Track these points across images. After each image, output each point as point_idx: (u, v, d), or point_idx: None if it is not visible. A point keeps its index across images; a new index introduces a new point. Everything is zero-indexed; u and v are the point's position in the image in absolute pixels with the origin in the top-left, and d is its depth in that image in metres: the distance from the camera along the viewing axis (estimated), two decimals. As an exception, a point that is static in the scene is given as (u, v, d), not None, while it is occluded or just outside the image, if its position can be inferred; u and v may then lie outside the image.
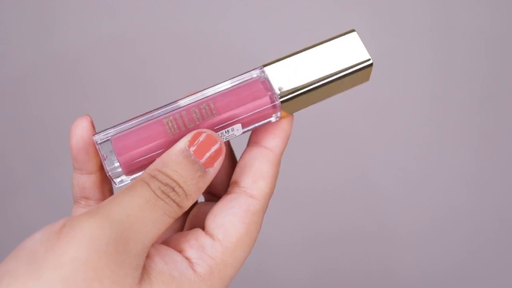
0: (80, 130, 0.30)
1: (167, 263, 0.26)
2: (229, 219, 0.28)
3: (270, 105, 0.29)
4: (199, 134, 0.27)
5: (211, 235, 0.28)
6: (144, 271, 0.25)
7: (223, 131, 0.29)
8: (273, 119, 0.30)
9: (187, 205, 0.27)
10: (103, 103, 0.74)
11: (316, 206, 0.73)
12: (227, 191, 0.30)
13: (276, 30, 0.72)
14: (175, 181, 0.26)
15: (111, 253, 0.24)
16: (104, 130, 0.29)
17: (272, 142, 0.30)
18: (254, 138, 0.30)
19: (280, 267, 0.74)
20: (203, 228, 0.29)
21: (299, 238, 0.74)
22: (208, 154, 0.27)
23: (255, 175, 0.29)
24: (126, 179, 0.29)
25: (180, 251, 0.28)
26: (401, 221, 0.73)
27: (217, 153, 0.27)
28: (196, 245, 0.28)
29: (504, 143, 0.72)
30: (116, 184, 0.29)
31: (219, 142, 0.27)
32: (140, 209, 0.25)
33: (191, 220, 0.33)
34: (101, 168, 0.31)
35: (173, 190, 0.26)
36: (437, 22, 0.71)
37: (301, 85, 0.30)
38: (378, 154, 0.72)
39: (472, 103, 0.72)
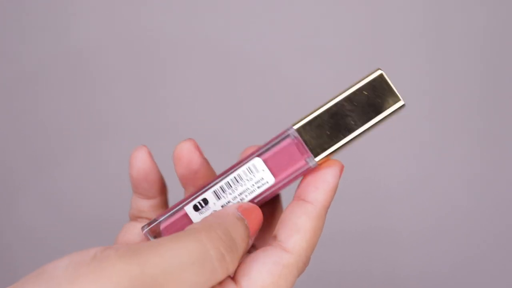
0: (140, 162, 0.31)
1: None
2: (257, 269, 0.27)
3: (306, 168, 0.29)
4: (255, 211, 0.28)
5: (236, 282, 0.27)
6: None
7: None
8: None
9: (233, 269, 0.25)
10: (104, 103, 0.74)
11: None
12: (267, 244, 0.29)
13: (279, 31, 0.72)
14: (234, 239, 0.25)
15: None
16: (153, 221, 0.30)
17: (313, 195, 0.29)
18: (297, 193, 0.30)
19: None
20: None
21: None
22: (254, 224, 0.27)
23: (291, 228, 0.28)
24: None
25: None
26: (402, 221, 0.73)
27: (259, 222, 0.28)
28: None
29: (506, 143, 0.72)
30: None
31: (259, 213, 0.28)
32: (182, 268, 0.23)
33: None
34: (161, 193, 0.32)
35: (231, 249, 0.25)
36: (437, 21, 0.71)
37: (335, 144, 0.30)
38: (379, 154, 0.72)
39: (474, 103, 0.72)
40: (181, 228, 0.29)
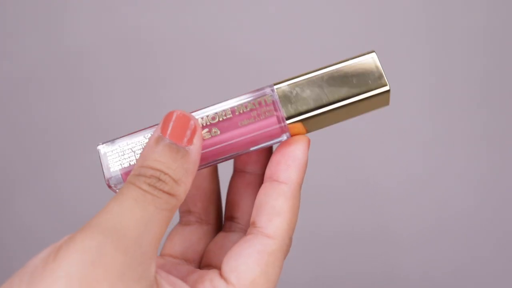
0: None
1: (174, 284, 0.25)
2: (243, 261, 0.26)
3: (277, 126, 0.28)
4: (170, 117, 0.26)
5: (225, 279, 0.26)
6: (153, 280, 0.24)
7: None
8: (283, 138, 0.29)
9: (180, 191, 0.25)
10: (102, 103, 0.74)
11: (316, 207, 0.73)
12: (246, 233, 0.28)
13: (279, 31, 0.72)
14: (158, 170, 0.25)
15: (107, 264, 0.22)
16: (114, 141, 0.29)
17: (285, 174, 0.28)
18: (268, 173, 0.29)
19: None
20: (219, 267, 0.28)
21: (298, 239, 0.74)
22: (185, 134, 0.26)
23: (269, 213, 0.27)
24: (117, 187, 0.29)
25: None
26: (402, 222, 0.73)
27: (193, 130, 0.26)
28: (209, 285, 0.26)
29: (508, 144, 0.72)
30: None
31: (192, 120, 0.26)
32: (130, 211, 0.24)
33: (207, 254, 0.32)
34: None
35: (159, 179, 0.25)
36: (439, 20, 0.71)
37: (310, 108, 0.28)
38: (379, 154, 0.72)
39: (475, 103, 0.72)
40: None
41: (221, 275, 0.27)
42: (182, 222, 0.32)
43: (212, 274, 0.27)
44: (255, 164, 0.32)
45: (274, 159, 0.28)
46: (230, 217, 0.32)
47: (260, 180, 0.32)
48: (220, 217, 0.32)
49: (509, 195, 0.72)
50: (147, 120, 0.33)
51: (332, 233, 0.73)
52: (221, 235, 0.32)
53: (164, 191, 0.25)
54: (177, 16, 0.73)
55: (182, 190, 0.25)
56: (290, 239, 0.28)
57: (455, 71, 0.71)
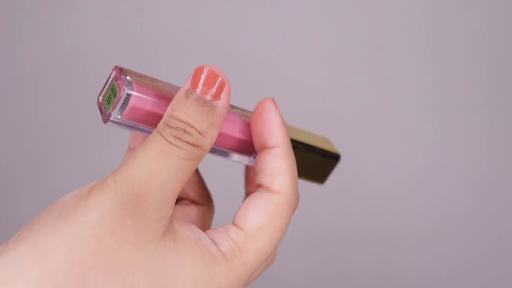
0: None
1: (194, 232, 0.28)
2: (251, 210, 0.29)
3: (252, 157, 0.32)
4: (200, 71, 0.27)
5: (235, 225, 0.29)
6: (171, 229, 0.27)
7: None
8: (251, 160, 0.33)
9: (205, 143, 0.27)
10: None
11: (314, 206, 0.73)
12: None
13: (278, 31, 0.72)
14: (185, 122, 0.27)
15: (131, 207, 0.25)
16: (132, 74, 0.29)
17: (273, 140, 0.30)
18: (257, 146, 0.31)
19: (277, 268, 0.74)
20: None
21: (295, 238, 0.74)
22: (213, 89, 0.27)
23: (271, 174, 0.30)
24: (116, 119, 0.28)
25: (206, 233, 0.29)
26: (401, 222, 0.73)
27: (221, 85, 0.27)
28: (221, 229, 0.29)
29: (506, 144, 0.72)
30: (104, 118, 0.29)
31: (220, 76, 0.28)
32: (154, 160, 0.26)
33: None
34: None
35: (185, 131, 0.26)
36: (438, 20, 0.71)
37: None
38: (377, 154, 0.72)
39: (473, 103, 0.72)
40: (145, 89, 0.28)
41: (232, 223, 0.30)
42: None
43: (225, 225, 0.30)
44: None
45: (255, 132, 0.31)
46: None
47: None
48: (211, 198, 0.34)
49: (508, 195, 0.72)
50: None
51: (330, 232, 0.73)
52: None
53: (189, 143, 0.26)
54: (178, 16, 0.73)
55: (208, 142, 0.27)
56: (295, 194, 0.30)
57: (455, 70, 0.71)
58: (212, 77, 0.27)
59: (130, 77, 0.28)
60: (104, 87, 0.29)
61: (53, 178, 0.74)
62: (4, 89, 0.74)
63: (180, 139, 0.26)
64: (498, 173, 0.72)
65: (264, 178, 0.30)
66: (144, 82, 0.28)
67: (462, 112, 0.72)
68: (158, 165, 0.26)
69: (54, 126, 0.74)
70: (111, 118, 0.28)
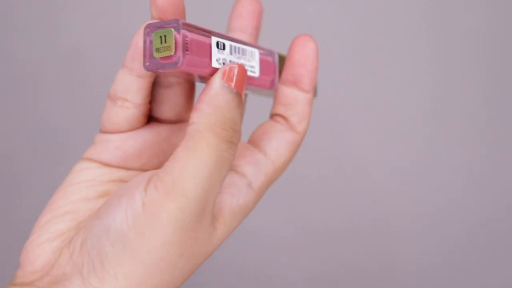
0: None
1: (234, 194, 0.29)
2: (282, 146, 0.32)
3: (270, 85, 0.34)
4: (231, 68, 0.28)
5: (264, 153, 0.31)
6: (215, 210, 0.28)
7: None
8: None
9: (240, 138, 0.28)
10: (103, 102, 0.74)
11: (313, 202, 0.73)
12: (274, 118, 0.33)
13: (277, 30, 0.72)
14: (234, 122, 0.27)
15: (192, 227, 0.26)
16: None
17: (308, 85, 0.33)
18: (291, 79, 0.33)
19: (276, 264, 0.74)
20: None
21: (293, 234, 0.74)
22: (243, 86, 0.28)
23: (299, 114, 0.32)
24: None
25: (236, 165, 0.30)
26: (400, 220, 0.73)
27: (244, 78, 0.28)
28: (253, 161, 0.31)
29: (505, 142, 0.72)
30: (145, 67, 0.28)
31: (241, 69, 0.28)
32: (212, 176, 0.26)
33: None
34: (151, 74, 0.30)
35: (234, 131, 0.27)
36: (436, 19, 0.71)
37: None
38: (375, 150, 0.72)
39: (469, 100, 0.72)
40: (200, 51, 0.28)
41: (258, 149, 0.32)
42: (160, 84, 0.32)
43: (250, 149, 0.31)
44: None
45: (298, 67, 0.33)
46: None
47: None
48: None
49: (505, 189, 0.72)
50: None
51: (328, 228, 0.73)
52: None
53: (234, 143, 0.27)
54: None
55: (240, 137, 0.28)
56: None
57: (455, 70, 0.71)
58: (244, 75, 0.28)
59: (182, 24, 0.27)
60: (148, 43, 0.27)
61: (53, 178, 0.74)
62: (4, 89, 0.74)
63: (233, 143, 0.27)
64: (494, 168, 0.72)
65: (293, 116, 0.32)
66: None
67: (462, 111, 0.72)
68: (215, 179, 0.26)
69: (54, 126, 0.74)
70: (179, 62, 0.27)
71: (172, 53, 0.27)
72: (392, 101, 0.72)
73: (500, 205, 0.72)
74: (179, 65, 0.27)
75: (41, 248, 0.29)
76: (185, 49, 0.27)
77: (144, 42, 0.28)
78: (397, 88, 0.72)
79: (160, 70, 0.27)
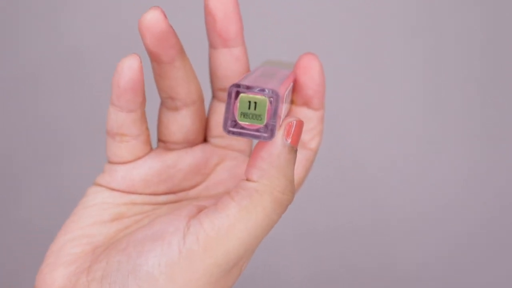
0: (130, 71, 0.30)
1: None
2: (298, 165, 0.32)
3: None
4: (291, 124, 0.27)
5: None
6: None
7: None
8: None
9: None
10: (105, 101, 0.74)
11: (312, 202, 0.73)
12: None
13: (277, 30, 0.72)
14: (289, 180, 0.27)
15: (225, 277, 0.26)
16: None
17: (318, 103, 0.33)
18: (300, 101, 0.33)
19: (278, 265, 0.74)
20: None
21: (293, 234, 0.74)
22: (298, 141, 0.28)
23: (312, 132, 0.33)
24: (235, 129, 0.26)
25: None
26: (400, 220, 0.73)
27: (300, 134, 0.28)
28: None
29: (505, 141, 0.72)
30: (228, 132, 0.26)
31: (300, 126, 0.28)
32: (257, 238, 0.26)
33: (210, 125, 0.35)
34: (142, 105, 0.30)
35: (292, 194, 0.27)
36: (434, 19, 0.71)
37: None
38: (375, 150, 0.72)
39: (469, 100, 0.72)
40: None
41: None
42: (168, 107, 0.32)
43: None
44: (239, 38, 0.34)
45: (306, 90, 0.32)
46: (221, 89, 0.34)
47: (246, 53, 0.34)
48: (201, 92, 0.33)
49: (505, 189, 0.72)
50: (149, 118, 0.33)
51: (328, 228, 0.73)
52: (216, 104, 0.34)
53: (288, 206, 0.27)
54: (178, 16, 0.73)
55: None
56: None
57: (454, 70, 0.71)
58: (301, 129, 0.28)
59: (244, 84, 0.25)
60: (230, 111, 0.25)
61: (53, 178, 0.74)
62: (4, 89, 0.74)
63: (287, 206, 0.27)
64: (493, 167, 0.72)
65: (306, 134, 0.32)
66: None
67: (462, 111, 0.72)
68: (263, 236, 0.26)
69: (54, 126, 0.74)
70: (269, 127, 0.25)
71: (263, 124, 0.25)
72: (392, 101, 0.72)
73: (500, 205, 0.72)
74: (270, 139, 0.25)
75: (58, 272, 0.28)
76: (275, 120, 0.25)
77: (228, 101, 0.25)
78: (397, 88, 0.72)
79: (240, 136, 0.25)
